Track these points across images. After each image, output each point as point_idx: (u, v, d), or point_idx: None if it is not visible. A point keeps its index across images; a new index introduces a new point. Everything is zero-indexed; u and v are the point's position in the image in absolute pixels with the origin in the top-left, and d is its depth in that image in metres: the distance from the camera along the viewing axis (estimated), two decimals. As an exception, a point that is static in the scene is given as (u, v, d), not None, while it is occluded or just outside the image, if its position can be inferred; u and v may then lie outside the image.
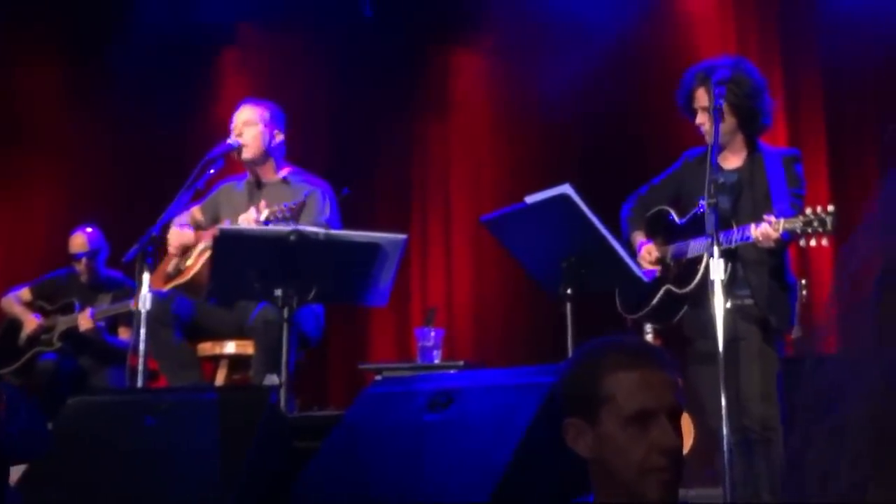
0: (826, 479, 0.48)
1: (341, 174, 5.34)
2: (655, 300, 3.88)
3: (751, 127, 3.81)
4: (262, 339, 4.11)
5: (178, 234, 4.46)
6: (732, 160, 3.83)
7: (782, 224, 3.42)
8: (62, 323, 5.63)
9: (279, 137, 4.57)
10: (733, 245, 3.59)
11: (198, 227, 4.63)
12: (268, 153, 4.53)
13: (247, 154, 4.48)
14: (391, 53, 7.08)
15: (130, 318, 4.87)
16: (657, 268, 3.89)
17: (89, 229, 5.85)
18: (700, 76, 3.81)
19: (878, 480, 0.45)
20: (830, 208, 3.37)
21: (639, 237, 3.98)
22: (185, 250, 4.53)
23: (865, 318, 0.49)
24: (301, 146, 5.08)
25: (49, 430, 3.06)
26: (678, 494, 1.74)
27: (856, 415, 0.47)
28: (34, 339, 5.66)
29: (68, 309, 5.67)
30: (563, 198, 3.45)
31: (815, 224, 3.35)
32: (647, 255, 3.90)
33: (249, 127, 4.50)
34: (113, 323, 5.63)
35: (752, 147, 3.84)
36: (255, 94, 4.95)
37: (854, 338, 0.50)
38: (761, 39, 6.10)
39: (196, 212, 4.63)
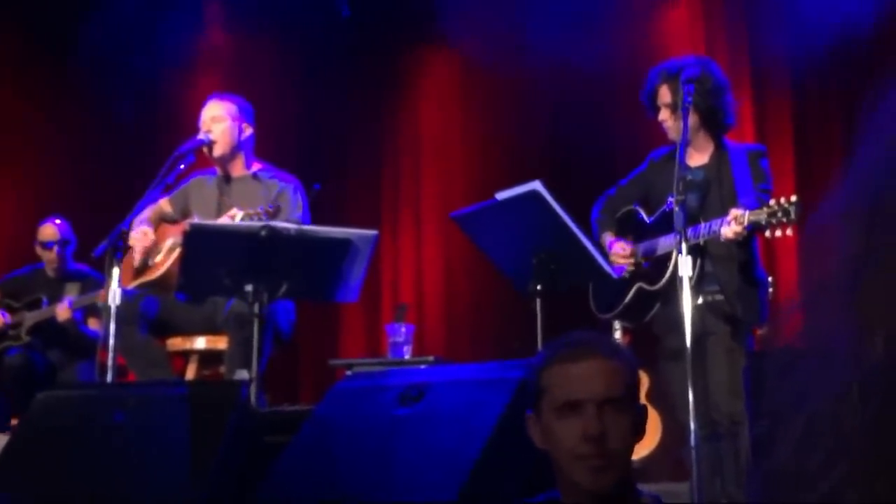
0: (798, 479, 0.48)
1: (312, 170, 5.34)
2: (628, 298, 3.92)
3: (713, 125, 3.86)
4: (235, 334, 4.10)
5: (140, 239, 4.39)
6: (698, 158, 3.88)
7: (747, 216, 3.47)
8: (30, 318, 5.61)
9: (248, 131, 4.54)
10: (701, 240, 3.63)
11: (165, 219, 4.60)
12: (237, 148, 4.50)
13: (217, 151, 4.45)
14: (363, 50, 7.09)
15: (100, 310, 4.86)
16: (630, 262, 3.91)
17: (58, 221, 5.84)
18: (664, 74, 3.87)
19: (854, 483, 0.46)
20: (794, 198, 3.42)
21: (608, 237, 4.01)
22: (150, 250, 4.50)
23: (835, 302, 0.50)
24: (272, 142, 5.08)
25: None
26: (613, 481, 1.81)
27: (828, 414, 0.48)
28: (1, 335, 5.63)
29: (35, 305, 5.65)
30: (534, 194, 3.47)
31: (780, 214, 3.40)
32: (621, 250, 3.92)
33: (218, 123, 4.46)
34: (84, 314, 5.61)
35: (718, 144, 3.89)
36: (227, 89, 4.93)
37: (822, 323, 0.51)
38: (730, 39, 6.16)
39: (164, 203, 4.59)
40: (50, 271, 5.80)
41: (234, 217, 4.12)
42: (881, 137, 0.50)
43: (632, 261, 3.91)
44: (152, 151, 5.47)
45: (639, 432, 1.88)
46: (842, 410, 0.47)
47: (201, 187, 4.57)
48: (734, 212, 3.51)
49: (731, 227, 3.50)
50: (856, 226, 0.49)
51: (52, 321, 5.50)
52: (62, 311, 5.45)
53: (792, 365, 0.51)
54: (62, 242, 5.77)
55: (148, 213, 4.52)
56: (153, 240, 4.44)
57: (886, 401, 0.45)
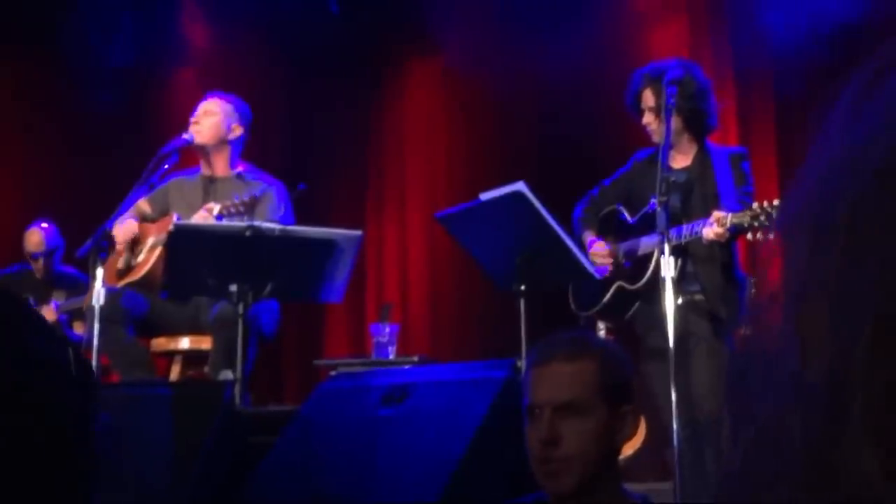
0: (753, 488, 0.50)
1: (297, 170, 5.34)
2: (608, 297, 3.94)
3: (696, 127, 3.88)
4: (220, 335, 4.10)
5: (124, 229, 4.40)
6: (681, 160, 3.90)
7: (730, 219, 3.49)
8: (15, 318, 5.59)
9: (237, 132, 4.55)
10: (683, 241, 3.65)
11: (144, 218, 4.59)
12: (222, 143, 4.50)
13: (199, 139, 4.42)
14: (350, 50, 7.09)
15: (84, 314, 4.85)
16: (609, 262, 3.93)
17: (45, 225, 5.81)
18: (647, 77, 3.88)
19: (802, 493, 0.47)
20: (776, 202, 3.44)
21: (590, 236, 4.03)
22: (134, 244, 4.49)
23: (779, 313, 0.51)
24: (257, 142, 5.07)
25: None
26: (571, 486, 1.81)
27: (776, 425, 0.49)
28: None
29: (22, 304, 5.63)
30: (518, 195, 3.48)
31: (762, 218, 3.43)
32: (600, 250, 3.94)
33: (209, 116, 4.49)
34: (69, 318, 5.60)
35: (701, 146, 3.91)
36: (211, 88, 4.93)
37: (766, 334, 0.52)
38: (714, 41, 6.18)
39: (143, 203, 4.57)
40: (37, 273, 5.79)
41: (212, 211, 4.12)
42: (825, 153, 0.51)
43: (610, 261, 3.93)
44: (138, 149, 5.46)
45: (621, 433, 1.87)
46: (784, 429, 0.48)
47: (182, 187, 4.56)
48: (717, 214, 3.54)
49: (713, 228, 3.53)
50: (799, 242, 0.50)
51: None
52: (48, 315, 5.43)
53: (744, 373, 0.52)
54: (48, 253, 5.75)
55: (131, 212, 4.51)
56: (136, 232, 4.44)
57: (829, 419, 0.47)
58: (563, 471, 1.80)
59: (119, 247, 4.40)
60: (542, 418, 1.82)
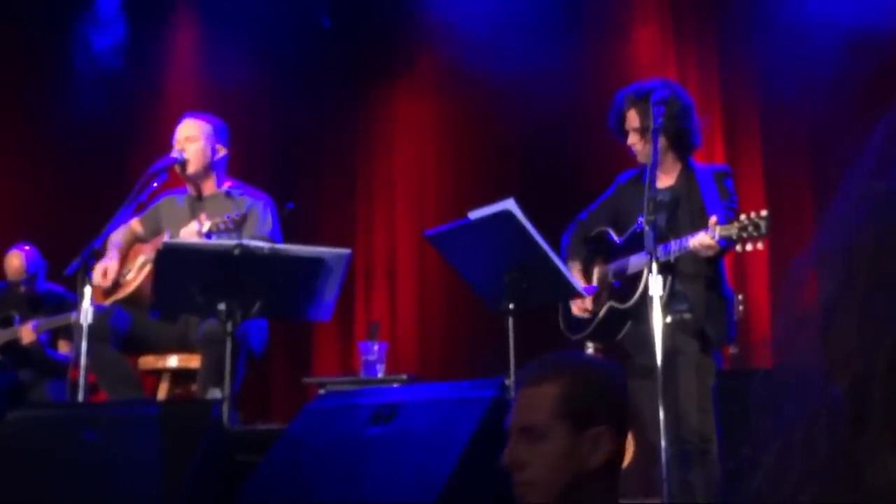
0: (771, 499, 0.52)
1: (286, 186, 5.35)
2: (600, 316, 3.94)
3: (681, 146, 3.88)
4: (208, 353, 4.09)
5: (101, 278, 4.34)
6: (665, 179, 3.90)
7: (718, 231, 3.48)
8: (0, 336, 5.56)
9: (221, 152, 4.55)
10: (672, 258, 3.64)
11: (137, 239, 4.60)
12: (210, 168, 4.51)
13: (190, 169, 4.45)
14: (340, 68, 7.11)
15: (70, 332, 4.83)
16: (587, 314, 3.94)
17: (27, 247, 5.78)
18: (631, 98, 3.89)
19: (824, 499, 0.49)
20: (764, 213, 3.43)
21: (576, 269, 4.01)
22: (124, 262, 4.49)
23: (809, 334, 0.54)
24: (245, 159, 5.08)
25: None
26: None
27: (801, 439, 0.51)
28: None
29: (7, 322, 5.60)
30: (506, 214, 3.48)
31: (750, 229, 3.42)
32: (581, 302, 3.94)
33: (191, 143, 4.47)
34: (53, 336, 5.57)
35: (685, 165, 3.92)
36: (201, 103, 4.93)
37: (796, 353, 0.55)
38: (700, 59, 6.22)
39: (136, 224, 4.58)
40: (22, 290, 5.76)
41: (203, 223, 4.12)
42: (856, 187, 0.55)
43: (589, 312, 3.93)
44: (128, 164, 5.46)
45: (592, 456, 1.82)
46: (813, 434, 0.51)
47: (172, 206, 4.56)
48: (714, 218, 3.51)
49: (701, 238, 3.51)
50: (830, 270, 0.53)
51: (18, 342, 5.46)
52: (26, 335, 5.41)
53: (772, 398, 0.55)
54: (29, 278, 5.73)
55: (121, 233, 4.51)
56: (114, 278, 4.41)
57: (852, 423, 0.50)
58: (528, 494, 1.82)
59: (98, 286, 4.34)
60: (510, 441, 1.85)
